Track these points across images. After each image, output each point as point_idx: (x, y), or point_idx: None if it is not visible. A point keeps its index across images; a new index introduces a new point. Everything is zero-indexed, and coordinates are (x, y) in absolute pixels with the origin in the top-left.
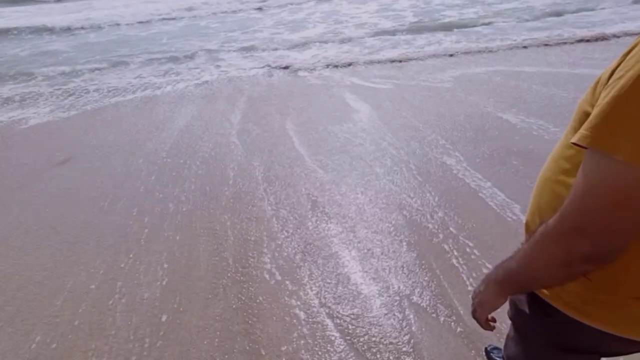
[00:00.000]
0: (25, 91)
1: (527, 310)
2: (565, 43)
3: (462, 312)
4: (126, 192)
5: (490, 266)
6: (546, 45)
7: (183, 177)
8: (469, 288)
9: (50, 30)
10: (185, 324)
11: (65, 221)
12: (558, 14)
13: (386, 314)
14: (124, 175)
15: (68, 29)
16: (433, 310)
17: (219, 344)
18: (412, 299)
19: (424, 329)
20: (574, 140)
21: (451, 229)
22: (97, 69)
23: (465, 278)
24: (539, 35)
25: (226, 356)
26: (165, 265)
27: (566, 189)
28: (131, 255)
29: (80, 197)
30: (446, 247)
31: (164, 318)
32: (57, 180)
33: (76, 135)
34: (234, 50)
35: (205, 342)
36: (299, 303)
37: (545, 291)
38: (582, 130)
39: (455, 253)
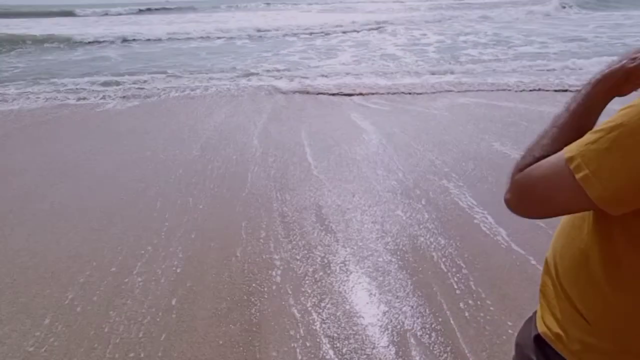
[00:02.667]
0: (85, 87)
1: (533, 357)
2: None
3: (470, 358)
4: (159, 180)
5: (504, 317)
6: (540, 90)
7: (206, 174)
8: (480, 338)
9: (99, 40)
10: (194, 311)
11: (100, 203)
12: (563, 62)
13: (391, 352)
14: (160, 163)
15: (114, 41)
16: (439, 354)
17: (220, 326)
18: (419, 337)
19: None
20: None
21: (464, 270)
22: (148, 74)
23: (473, 321)
24: (525, 79)
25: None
26: (180, 255)
27: (580, 232)
28: (149, 247)
29: (120, 180)
30: (455, 285)
31: (174, 301)
32: (106, 162)
33: (134, 122)
34: (264, 69)
35: (210, 331)
36: (300, 330)
37: (550, 335)
38: (573, 145)
39: (466, 297)
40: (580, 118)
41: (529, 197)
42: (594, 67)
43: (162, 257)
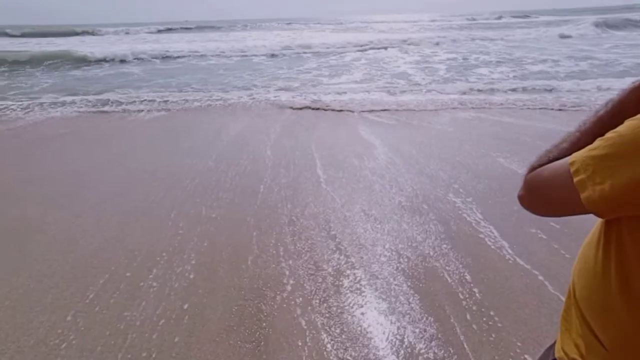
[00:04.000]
0: (110, 99)
1: None
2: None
3: None
4: (175, 190)
5: (514, 338)
6: (543, 108)
7: (220, 184)
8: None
9: (122, 58)
10: (205, 317)
11: (119, 211)
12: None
13: None
14: (177, 173)
15: (137, 58)
16: None
17: (230, 333)
18: None
19: None
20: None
21: (475, 291)
22: (169, 89)
23: (484, 339)
24: (531, 97)
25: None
26: (193, 262)
27: (595, 251)
28: (164, 254)
29: (140, 188)
30: (467, 306)
31: (186, 306)
32: (127, 170)
33: (155, 133)
34: (279, 85)
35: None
36: (308, 342)
37: None
38: (577, 152)
39: (478, 318)
40: (605, 125)
41: (537, 196)
42: (601, 84)
43: (176, 264)
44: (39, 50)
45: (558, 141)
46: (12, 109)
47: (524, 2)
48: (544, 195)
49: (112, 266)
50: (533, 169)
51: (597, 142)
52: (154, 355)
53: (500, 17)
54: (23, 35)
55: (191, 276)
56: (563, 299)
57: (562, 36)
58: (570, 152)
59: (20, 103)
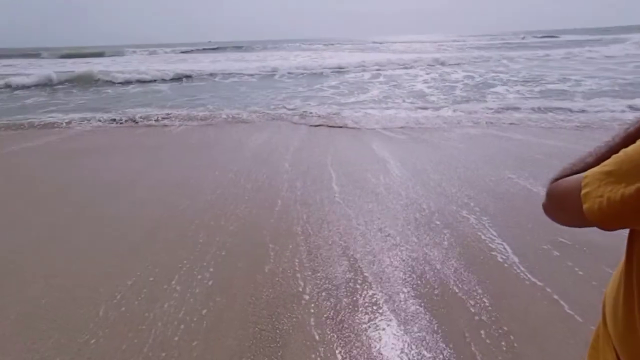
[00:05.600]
0: (140, 114)
1: None
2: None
3: None
4: (197, 201)
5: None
6: (554, 127)
7: (239, 196)
8: None
9: (149, 77)
10: (223, 321)
11: (145, 219)
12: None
13: None
14: (199, 185)
15: (164, 77)
16: None
17: (246, 340)
18: None
19: None
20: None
21: (499, 318)
22: (195, 105)
23: None
24: (541, 116)
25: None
26: (212, 269)
27: (620, 275)
28: (185, 262)
29: (164, 198)
30: (484, 330)
31: (204, 312)
32: (152, 181)
33: (180, 147)
34: (297, 103)
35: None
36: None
37: None
38: (593, 167)
39: (501, 350)
40: (632, 142)
41: (555, 205)
42: (617, 104)
43: (197, 272)
44: (74, 70)
45: (584, 155)
46: (58, 122)
47: (555, 22)
48: (561, 205)
49: (138, 271)
50: (556, 180)
51: (610, 159)
52: (175, 356)
53: (524, 37)
54: (60, 57)
55: (210, 283)
56: (580, 320)
57: (590, 56)
58: (593, 167)
59: (62, 117)
